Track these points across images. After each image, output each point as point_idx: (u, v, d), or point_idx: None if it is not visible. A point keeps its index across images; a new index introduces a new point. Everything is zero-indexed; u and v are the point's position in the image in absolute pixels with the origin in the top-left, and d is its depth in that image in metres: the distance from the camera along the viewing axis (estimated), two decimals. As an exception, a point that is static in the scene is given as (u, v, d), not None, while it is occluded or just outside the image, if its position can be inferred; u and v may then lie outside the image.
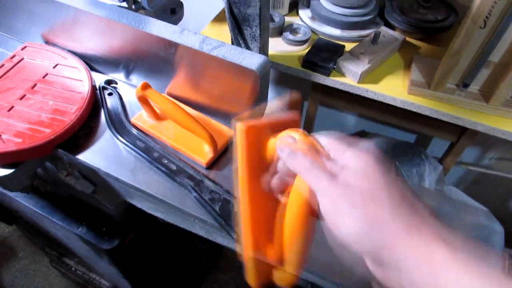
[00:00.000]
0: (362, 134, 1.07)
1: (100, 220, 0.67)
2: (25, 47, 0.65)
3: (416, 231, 0.23)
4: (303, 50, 0.81)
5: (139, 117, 0.58)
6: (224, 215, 0.47)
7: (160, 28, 0.53)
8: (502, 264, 0.21)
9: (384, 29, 0.81)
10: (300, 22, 0.86)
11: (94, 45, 0.62)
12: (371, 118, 1.17)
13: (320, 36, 0.83)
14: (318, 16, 0.83)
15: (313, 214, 0.28)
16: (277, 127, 0.32)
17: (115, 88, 0.63)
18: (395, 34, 0.80)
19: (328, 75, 0.76)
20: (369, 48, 0.75)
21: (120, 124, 0.58)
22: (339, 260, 0.26)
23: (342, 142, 0.28)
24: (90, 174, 0.59)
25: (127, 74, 0.64)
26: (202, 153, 0.53)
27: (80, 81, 0.60)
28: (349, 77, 0.75)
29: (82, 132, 0.57)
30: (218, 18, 0.89)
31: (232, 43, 0.64)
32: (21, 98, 0.57)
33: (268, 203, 0.32)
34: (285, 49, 0.80)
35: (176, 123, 0.53)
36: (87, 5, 0.56)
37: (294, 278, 0.31)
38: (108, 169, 0.53)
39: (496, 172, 1.14)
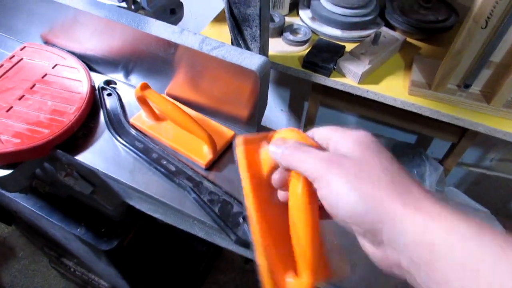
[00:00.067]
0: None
1: (99, 221, 0.66)
2: (24, 47, 0.65)
3: (412, 206, 0.23)
4: (303, 50, 0.80)
5: (138, 117, 0.58)
6: (223, 216, 0.47)
7: (159, 28, 0.52)
8: (499, 234, 0.21)
9: (384, 30, 0.80)
10: (301, 23, 0.86)
11: (93, 45, 0.62)
12: (371, 118, 1.17)
13: (320, 37, 0.83)
14: (319, 17, 0.83)
15: (317, 212, 0.27)
16: None
17: (114, 88, 0.63)
18: (396, 34, 0.80)
19: (328, 75, 0.75)
20: (369, 49, 0.75)
21: (119, 124, 0.57)
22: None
23: (335, 131, 0.28)
24: (89, 175, 0.58)
25: (126, 75, 0.64)
26: (202, 154, 0.53)
27: (79, 81, 0.60)
28: (350, 77, 0.75)
29: (81, 132, 0.56)
30: (218, 19, 0.89)
31: (232, 44, 0.64)
32: (20, 99, 0.57)
33: (280, 214, 0.31)
34: (285, 50, 0.80)
35: (175, 124, 0.53)
36: (86, 5, 0.56)
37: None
38: (107, 169, 0.52)
39: (497, 173, 1.13)
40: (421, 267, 0.22)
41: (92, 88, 0.60)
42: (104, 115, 0.58)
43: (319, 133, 0.29)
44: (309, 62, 0.75)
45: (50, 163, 0.58)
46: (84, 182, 0.59)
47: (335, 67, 0.75)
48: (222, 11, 0.91)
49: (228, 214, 0.47)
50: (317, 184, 0.26)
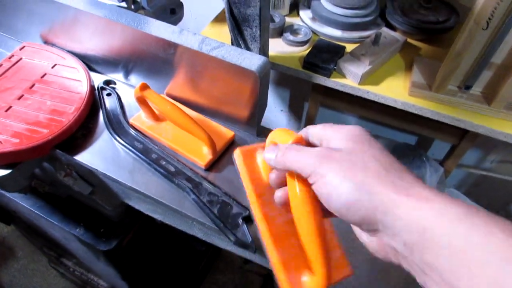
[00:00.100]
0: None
1: (98, 221, 0.66)
2: (24, 47, 0.65)
3: (404, 192, 0.23)
4: (303, 51, 0.80)
5: (138, 118, 0.57)
6: (223, 217, 0.46)
7: (159, 28, 0.52)
8: (487, 215, 0.21)
9: (385, 30, 0.80)
10: (301, 23, 0.86)
11: (93, 45, 0.62)
12: (371, 119, 1.17)
13: (320, 37, 0.83)
14: (319, 17, 0.82)
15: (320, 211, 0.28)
16: None
17: (113, 88, 0.62)
18: (396, 35, 0.80)
19: (328, 76, 0.75)
20: (370, 49, 0.75)
21: (118, 125, 0.57)
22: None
23: (328, 128, 0.29)
24: (88, 175, 0.58)
25: (126, 75, 0.63)
26: (201, 154, 0.53)
27: (78, 81, 0.60)
28: (350, 78, 0.74)
29: (80, 132, 0.56)
30: (218, 19, 0.89)
31: (232, 44, 0.64)
32: (19, 98, 0.56)
33: (284, 214, 0.33)
34: (285, 50, 0.80)
35: (175, 124, 0.52)
36: (86, 5, 0.55)
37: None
38: (106, 170, 0.52)
39: (497, 175, 1.13)
40: (414, 251, 0.22)
41: (92, 88, 0.60)
42: (103, 115, 0.58)
43: (313, 131, 0.30)
44: (309, 62, 0.75)
45: (49, 163, 0.58)
46: (83, 182, 0.59)
47: (335, 67, 0.75)
48: (222, 11, 0.91)
49: (227, 215, 0.47)
50: (311, 179, 0.26)
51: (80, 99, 0.57)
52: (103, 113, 0.58)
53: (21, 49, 0.64)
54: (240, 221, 0.46)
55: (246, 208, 0.47)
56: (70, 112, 0.55)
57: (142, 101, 0.54)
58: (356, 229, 0.27)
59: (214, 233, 0.50)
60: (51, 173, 0.61)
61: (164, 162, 0.52)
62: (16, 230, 1.40)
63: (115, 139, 0.55)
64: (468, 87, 0.68)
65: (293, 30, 0.82)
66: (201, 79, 0.55)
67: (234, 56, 0.48)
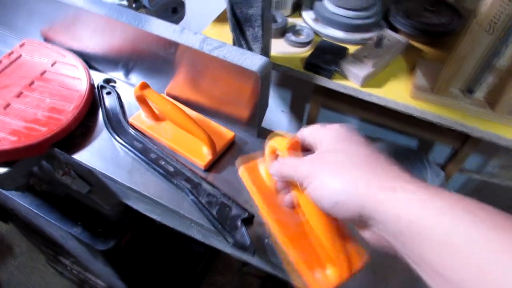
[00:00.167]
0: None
1: (96, 221, 0.66)
2: (24, 44, 0.64)
3: (389, 187, 0.24)
4: (305, 52, 0.80)
5: (137, 117, 0.57)
6: (221, 219, 0.46)
7: (160, 27, 0.52)
8: (472, 205, 0.22)
9: (388, 32, 0.80)
10: (303, 24, 0.85)
11: (93, 43, 0.61)
12: (373, 121, 1.16)
13: (323, 38, 0.82)
14: (322, 18, 0.82)
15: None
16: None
17: (113, 87, 0.62)
18: (399, 37, 0.79)
19: (330, 77, 0.75)
20: (372, 51, 0.74)
21: (117, 124, 0.57)
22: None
23: (320, 128, 0.31)
24: (86, 174, 0.58)
25: (126, 73, 0.63)
26: (201, 155, 0.52)
27: (78, 79, 0.59)
28: (352, 80, 0.74)
29: (79, 131, 0.56)
30: (220, 18, 0.88)
31: (234, 44, 0.63)
32: (18, 96, 0.56)
33: (292, 213, 0.36)
34: (287, 51, 0.79)
35: (175, 124, 0.52)
36: (87, 3, 0.55)
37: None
38: (104, 169, 0.52)
39: (499, 180, 1.12)
40: (404, 244, 0.23)
41: (91, 86, 0.59)
42: (103, 114, 0.57)
43: (307, 132, 0.32)
44: (311, 63, 0.75)
45: (48, 162, 0.57)
46: (82, 181, 0.58)
47: (337, 69, 0.75)
48: (224, 11, 0.90)
49: (226, 217, 0.46)
50: (305, 184, 0.28)
51: (79, 97, 0.56)
52: (102, 111, 0.58)
53: (21, 46, 0.64)
54: (239, 223, 0.45)
55: (245, 210, 0.46)
56: (69, 110, 0.55)
57: (142, 100, 0.54)
58: (354, 226, 0.29)
59: (212, 235, 0.50)
60: (49, 172, 0.60)
61: (163, 162, 0.52)
62: (14, 228, 1.40)
63: (114, 138, 0.55)
64: (471, 91, 0.67)
65: (295, 31, 0.82)
66: (201, 79, 0.55)
67: (235, 56, 0.48)
